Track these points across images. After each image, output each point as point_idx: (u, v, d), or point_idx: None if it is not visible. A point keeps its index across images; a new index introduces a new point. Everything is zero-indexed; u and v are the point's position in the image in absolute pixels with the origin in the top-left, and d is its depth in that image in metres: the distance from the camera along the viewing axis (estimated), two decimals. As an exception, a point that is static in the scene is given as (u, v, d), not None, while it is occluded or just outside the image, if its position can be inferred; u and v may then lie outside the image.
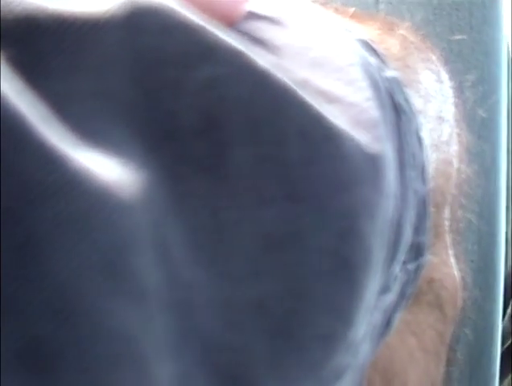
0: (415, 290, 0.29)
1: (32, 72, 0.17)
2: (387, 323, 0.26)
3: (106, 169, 0.17)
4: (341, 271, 0.21)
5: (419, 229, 0.27)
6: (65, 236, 0.16)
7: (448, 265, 0.36)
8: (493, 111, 0.52)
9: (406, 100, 0.26)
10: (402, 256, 0.25)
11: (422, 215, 0.27)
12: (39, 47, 0.17)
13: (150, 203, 0.17)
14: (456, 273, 0.36)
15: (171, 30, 0.19)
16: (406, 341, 0.32)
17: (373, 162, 0.22)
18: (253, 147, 0.19)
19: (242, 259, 0.19)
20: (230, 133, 0.19)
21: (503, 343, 0.54)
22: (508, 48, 0.57)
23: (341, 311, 0.21)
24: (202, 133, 0.19)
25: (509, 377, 0.57)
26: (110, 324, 0.16)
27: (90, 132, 0.17)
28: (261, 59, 0.20)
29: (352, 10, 0.31)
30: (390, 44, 0.31)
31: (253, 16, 0.23)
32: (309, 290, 0.20)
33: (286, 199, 0.20)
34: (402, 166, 0.24)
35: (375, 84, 0.24)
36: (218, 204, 0.19)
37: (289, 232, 0.20)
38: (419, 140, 0.27)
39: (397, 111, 0.25)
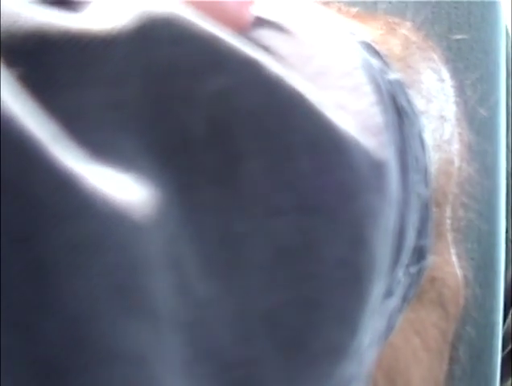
0: (418, 290, 0.29)
1: (42, 89, 0.17)
2: (390, 327, 0.26)
3: (119, 187, 0.17)
4: (350, 281, 0.21)
5: (421, 232, 0.27)
6: (77, 260, 0.15)
7: (449, 264, 0.36)
8: (493, 110, 0.52)
9: (409, 102, 0.26)
10: (405, 259, 0.25)
11: (425, 219, 0.27)
12: (49, 63, 0.17)
13: (163, 221, 0.17)
14: (457, 271, 0.36)
15: (183, 41, 0.19)
16: (409, 340, 0.32)
17: (378, 169, 0.22)
18: (264, 158, 0.19)
19: (255, 271, 0.19)
20: (241, 145, 0.19)
21: (504, 348, 0.54)
22: (508, 46, 0.57)
23: (348, 321, 0.21)
24: (213, 145, 0.19)
25: (510, 382, 0.57)
26: (123, 347, 0.16)
27: (102, 146, 0.17)
28: (275, 64, 0.20)
29: (355, 10, 0.32)
30: (393, 44, 0.31)
31: (259, 22, 0.23)
32: (320, 301, 0.20)
33: (297, 210, 0.20)
34: (405, 169, 0.24)
35: (378, 88, 0.24)
36: (230, 217, 0.19)
37: (300, 243, 0.20)
38: (422, 142, 0.27)
39: (399, 114, 0.25)
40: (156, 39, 0.18)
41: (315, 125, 0.20)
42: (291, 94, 0.20)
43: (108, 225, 0.16)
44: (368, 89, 0.23)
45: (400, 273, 0.25)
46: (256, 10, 0.23)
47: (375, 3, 0.51)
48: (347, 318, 0.21)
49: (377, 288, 0.22)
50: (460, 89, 0.35)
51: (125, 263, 0.16)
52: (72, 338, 0.15)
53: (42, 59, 0.17)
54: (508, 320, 0.56)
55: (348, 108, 0.22)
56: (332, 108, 0.21)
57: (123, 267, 0.16)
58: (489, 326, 0.52)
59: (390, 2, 0.49)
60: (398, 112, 0.25)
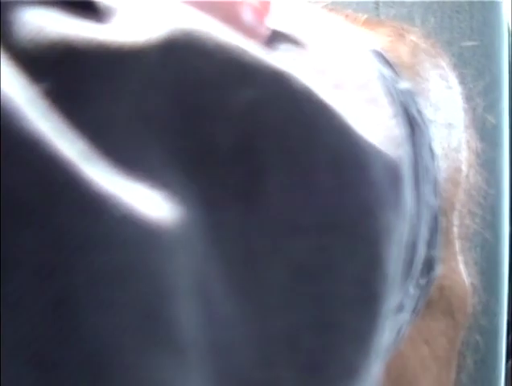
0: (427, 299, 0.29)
1: (69, 102, 0.16)
2: (398, 338, 0.26)
3: (150, 205, 0.16)
4: (364, 300, 0.20)
5: (430, 243, 0.27)
6: (106, 289, 0.15)
7: (457, 272, 0.35)
8: (500, 116, 0.52)
9: (419, 112, 0.26)
10: (415, 272, 0.25)
11: (433, 229, 0.27)
12: (75, 73, 0.17)
13: (191, 242, 0.17)
14: (465, 279, 0.36)
15: (210, 54, 0.18)
16: (418, 349, 0.32)
17: (395, 183, 0.22)
18: (287, 175, 0.19)
19: (274, 291, 0.19)
20: (265, 160, 0.19)
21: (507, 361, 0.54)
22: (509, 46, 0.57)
23: (362, 340, 0.21)
24: (237, 159, 0.19)
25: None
26: (150, 381, 0.15)
27: (131, 161, 0.17)
28: (302, 75, 0.20)
29: (363, 16, 0.31)
30: (402, 52, 0.31)
31: (276, 36, 0.23)
32: (335, 321, 0.20)
33: (317, 228, 0.20)
34: (417, 181, 0.24)
35: (393, 100, 0.24)
36: (251, 234, 0.19)
37: (318, 262, 0.20)
38: (432, 152, 0.27)
39: (411, 125, 0.25)
40: (183, 51, 0.18)
41: (339, 140, 0.20)
42: (317, 108, 0.20)
43: (138, 253, 0.15)
44: (385, 102, 0.23)
45: (411, 286, 0.25)
46: (270, 22, 0.23)
47: (376, 8, 0.50)
48: (360, 337, 0.20)
49: (389, 304, 0.22)
50: (468, 96, 0.35)
51: (155, 292, 0.16)
52: (97, 376, 0.15)
53: (68, 70, 0.17)
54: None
55: (367, 122, 0.22)
56: (356, 121, 0.21)
57: (152, 297, 0.15)
58: (494, 331, 0.52)
59: (390, 7, 0.49)
60: (410, 123, 0.25)
